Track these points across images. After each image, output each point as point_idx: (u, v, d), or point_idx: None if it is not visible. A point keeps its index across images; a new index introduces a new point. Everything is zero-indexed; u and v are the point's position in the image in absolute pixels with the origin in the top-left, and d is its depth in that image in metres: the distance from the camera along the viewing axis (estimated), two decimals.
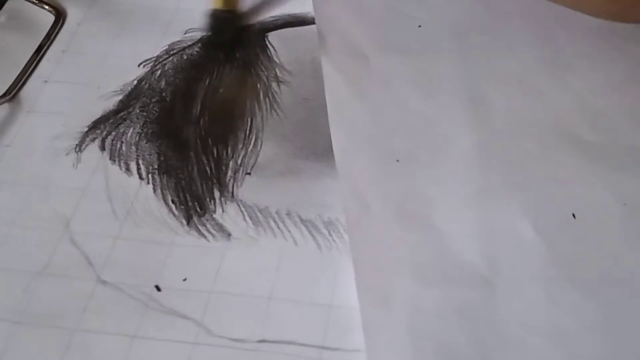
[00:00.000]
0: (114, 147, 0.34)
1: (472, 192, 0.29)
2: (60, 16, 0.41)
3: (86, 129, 0.35)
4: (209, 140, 0.34)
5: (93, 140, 0.34)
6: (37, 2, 0.41)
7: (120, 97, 0.36)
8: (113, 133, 0.35)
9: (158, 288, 0.29)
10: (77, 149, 0.34)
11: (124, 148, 0.34)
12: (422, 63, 0.33)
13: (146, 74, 0.37)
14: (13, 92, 0.37)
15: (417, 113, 0.32)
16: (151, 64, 0.37)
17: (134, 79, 0.37)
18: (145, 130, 0.35)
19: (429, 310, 0.26)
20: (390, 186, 0.30)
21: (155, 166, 0.33)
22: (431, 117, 0.31)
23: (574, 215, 0.28)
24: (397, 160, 0.30)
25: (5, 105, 0.37)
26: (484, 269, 0.27)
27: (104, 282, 0.30)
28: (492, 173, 0.30)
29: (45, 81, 0.38)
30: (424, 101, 0.32)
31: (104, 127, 0.35)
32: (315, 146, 0.33)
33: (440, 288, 0.27)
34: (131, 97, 0.36)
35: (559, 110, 0.31)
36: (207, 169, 0.33)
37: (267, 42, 0.37)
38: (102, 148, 0.34)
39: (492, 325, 0.26)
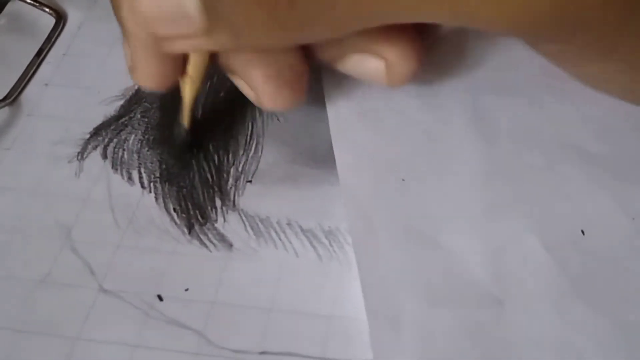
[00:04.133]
0: (115, 155, 0.34)
1: (478, 209, 0.29)
2: (60, 19, 0.41)
3: (88, 135, 0.35)
4: (210, 146, 0.34)
5: (95, 147, 0.34)
6: (37, 4, 0.41)
7: (121, 102, 0.36)
8: (115, 140, 0.35)
9: (160, 297, 0.30)
10: (79, 157, 0.34)
11: (125, 156, 0.34)
12: (424, 79, 0.32)
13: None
14: (14, 96, 0.37)
15: (421, 130, 0.31)
16: None
17: (135, 83, 0.37)
18: (146, 137, 0.35)
19: (439, 330, 0.26)
20: (396, 206, 0.29)
21: (157, 174, 0.33)
22: (435, 133, 0.31)
23: (582, 232, 0.28)
24: (403, 180, 0.30)
25: (6, 108, 0.37)
26: (493, 287, 0.27)
27: (105, 291, 0.30)
28: (498, 189, 0.29)
29: (46, 85, 0.38)
30: (427, 117, 0.32)
31: (106, 134, 0.35)
32: (315, 152, 0.33)
33: (450, 308, 0.27)
34: (132, 102, 0.36)
35: (562, 122, 0.31)
36: (209, 176, 0.33)
37: None
38: (104, 156, 0.34)
39: (503, 343, 0.26)
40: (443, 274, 0.27)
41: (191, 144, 0.34)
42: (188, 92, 0.31)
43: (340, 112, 0.32)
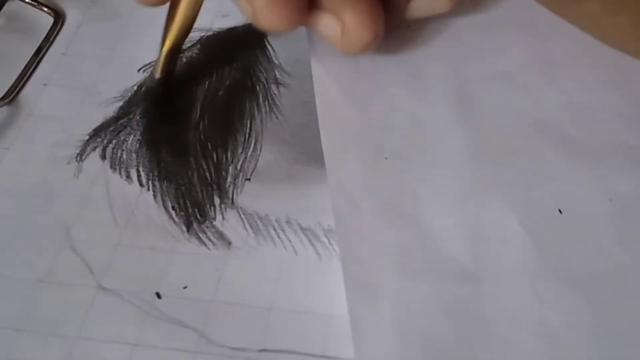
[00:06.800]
0: (114, 156, 0.34)
1: (459, 189, 0.29)
2: (59, 18, 0.41)
3: (87, 137, 0.35)
4: (209, 144, 0.34)
5: (94, 149, 0.34)
6: (35, 4, 0.41)
7: (120, 104, 0.36)
8: (114, 141, 0.34)
9: (159, 295, 0.30)
10: (78, 159, 0.34)
11: (124, 156, 0.34)
12: (411, 62, 0.33)
13: (146, 78, 0.37)
14: (12, 95, 0.37)
15: (406, 112, 0.32)
16: (151, 68, 0.37)
17: (134, 84, 0.37)
18: (145, 137, 0.35)
19: (416, 305, 0.26)
20: (378, 183, 0.30)
21: (156, 173, 0.33)
22: (420, 116, 0.31)
23: (560, 211, 0.28)
24: (386, 158, 0.30)
25: (4, 108, 0.37)
26: (471, 264, 0.27)
27: (104, 290, 0.30)
28: (480, 170, 0.30)
29: (45, 84, 0.38)
30: (413, 100, 0.32)
31: (105, 135, 0.35)
32: (314, 151, 0.33)
33: (427, 283, 0.27)
34: (131, 103, 0.36)
35: (546, 107, 0.31)
36: (207, 174, 0.33)
37: (266, 43, 0.37)
38: (103, 157, 0.34)
39: (478, 319, 0.26)
40: (422, 250, 0.28)
41: (160, 98, 0.33)
42: (174, 29, 0.30)
43: (327, 94, 0.32)
